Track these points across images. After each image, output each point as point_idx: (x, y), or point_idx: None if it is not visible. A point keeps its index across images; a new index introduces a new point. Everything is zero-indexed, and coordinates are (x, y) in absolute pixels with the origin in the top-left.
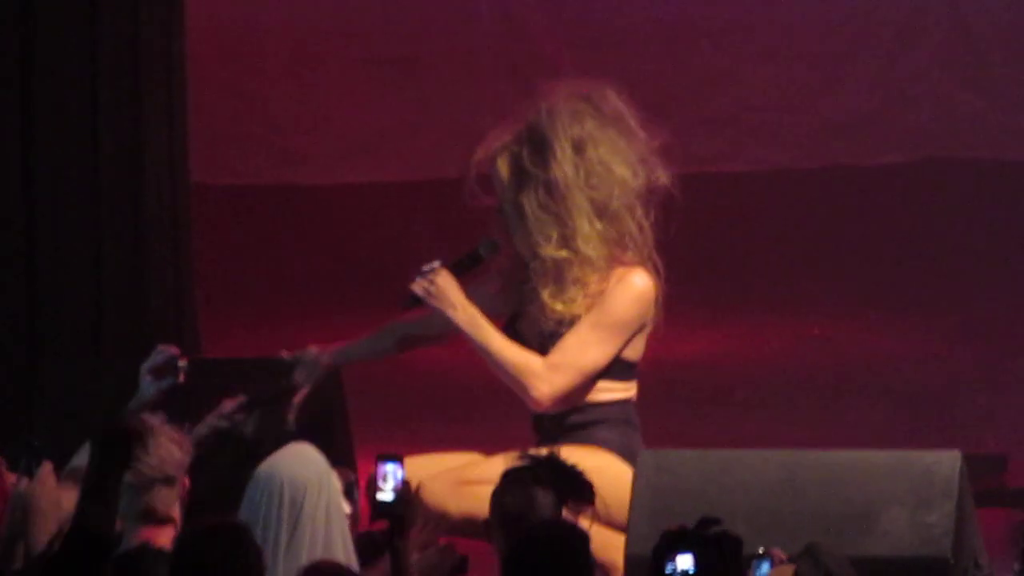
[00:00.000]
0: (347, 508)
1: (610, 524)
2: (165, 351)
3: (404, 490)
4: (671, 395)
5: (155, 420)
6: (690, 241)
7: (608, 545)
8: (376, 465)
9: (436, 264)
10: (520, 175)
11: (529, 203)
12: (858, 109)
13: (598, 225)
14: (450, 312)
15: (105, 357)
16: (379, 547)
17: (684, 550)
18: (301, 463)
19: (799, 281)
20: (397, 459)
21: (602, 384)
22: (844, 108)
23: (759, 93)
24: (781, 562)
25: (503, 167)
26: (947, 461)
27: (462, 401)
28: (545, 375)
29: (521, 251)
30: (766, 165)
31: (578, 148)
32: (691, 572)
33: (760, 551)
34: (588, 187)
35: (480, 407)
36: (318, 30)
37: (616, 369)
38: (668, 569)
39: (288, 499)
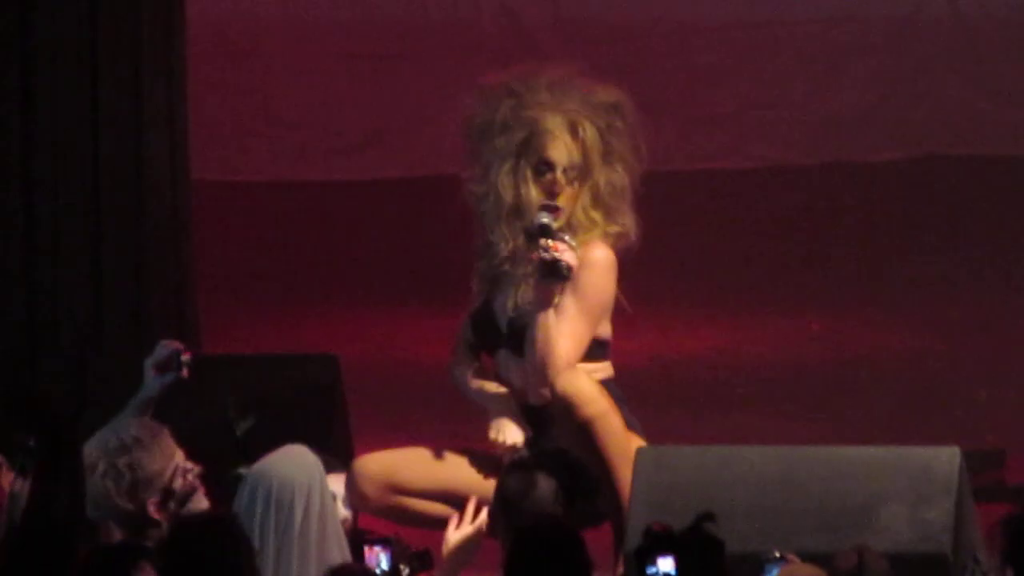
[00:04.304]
0: (343, 512)
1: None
2: (169, 346)
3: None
4: (670, 391)
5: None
6: (690, 237)
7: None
8: (366, 549)
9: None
10: (606, 146)
11: (612, 174)
12: (858, 106)
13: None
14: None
15: (106, 354)
16: None
17: (666, 553)
18: (291, 466)
19: (799, 277)
20: (387, 542)
21: (586, 367)
22: (844, 105)
23: (759, 90)
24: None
25: (590, 131)
26: (946, 457)
27: (461, 398)
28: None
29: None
30: (766, 162)
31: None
32: (672, 575)
33: (776, 555)
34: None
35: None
36: (317, 27)
37: (594, 350)
38: (650, 571)
39: (276, 503)
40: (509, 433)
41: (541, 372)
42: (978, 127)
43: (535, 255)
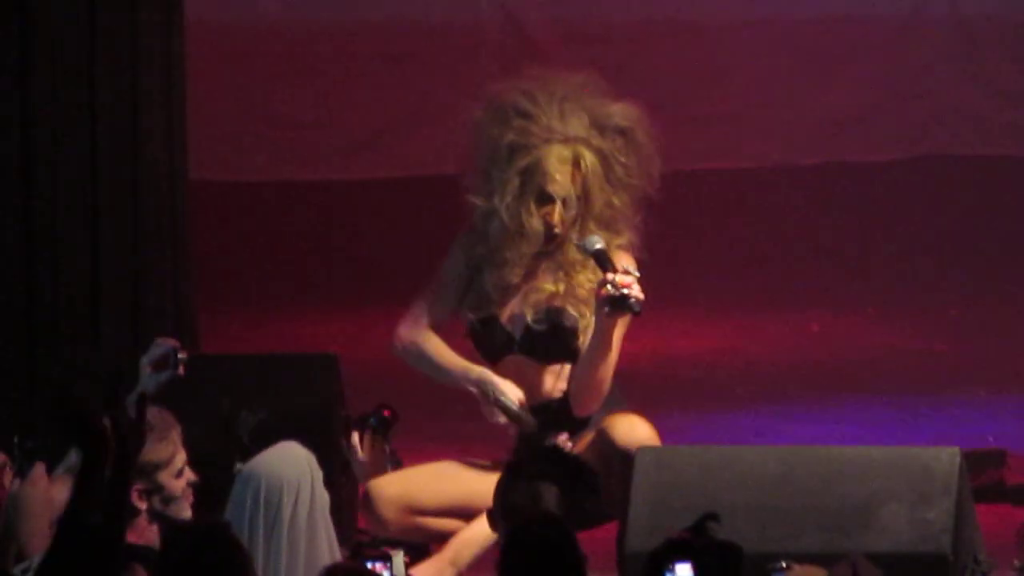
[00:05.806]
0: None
1: None
2: (165, 343)
3: None
4: (670, 391)
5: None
6: (689, 237)
7: None
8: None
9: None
10: (609, 171)
11: (612, 196)
12: (858, 105)
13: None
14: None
15: (103, 353)
16: None
17: (684, 559)
18: (280, 464)
19: (798, 277)
20: (385, 558)
21: None
22: (844, 104)
23: (758, 89)
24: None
25: (592, 161)
26: (946, 457)
27: (461, 398)
28: None
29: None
30: (765, 161)
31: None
32: None
33: (783, 565)
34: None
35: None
36: (317, 26)
37: None
38: None
39: (265, 501)
40: (512, 392)
41: (596, 391)
42: (978, 127)
43: (603, 291)
